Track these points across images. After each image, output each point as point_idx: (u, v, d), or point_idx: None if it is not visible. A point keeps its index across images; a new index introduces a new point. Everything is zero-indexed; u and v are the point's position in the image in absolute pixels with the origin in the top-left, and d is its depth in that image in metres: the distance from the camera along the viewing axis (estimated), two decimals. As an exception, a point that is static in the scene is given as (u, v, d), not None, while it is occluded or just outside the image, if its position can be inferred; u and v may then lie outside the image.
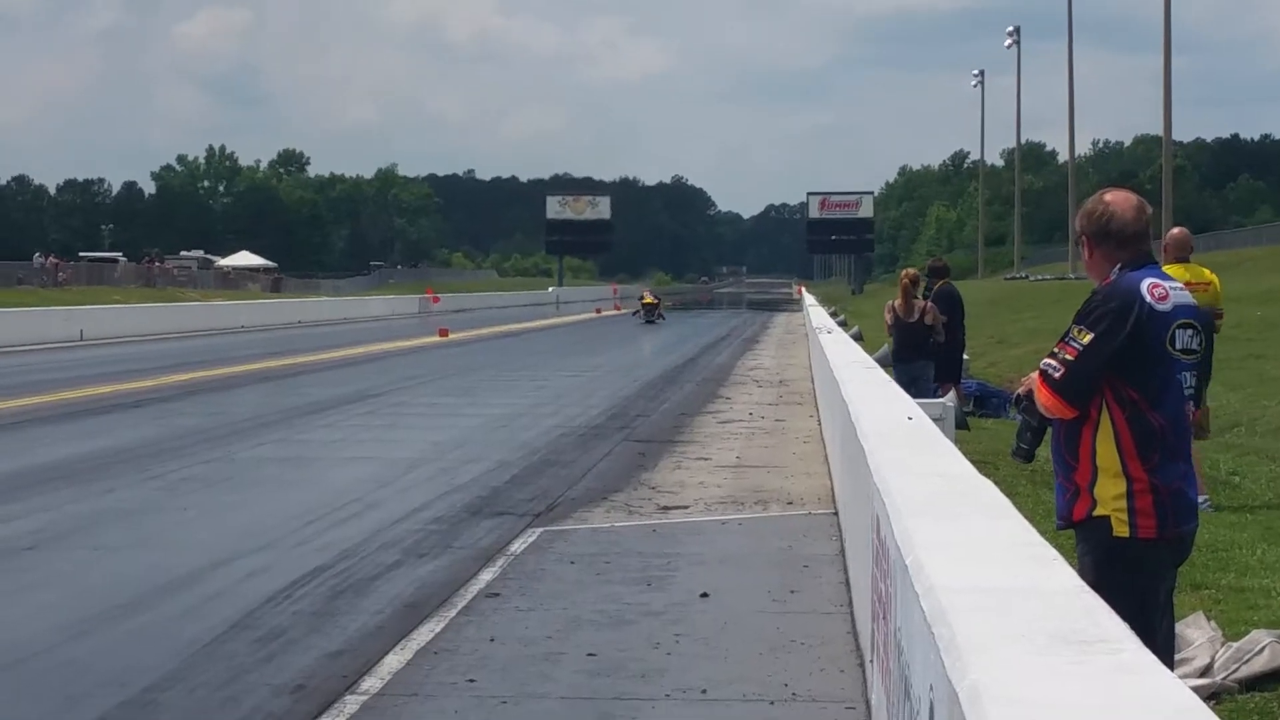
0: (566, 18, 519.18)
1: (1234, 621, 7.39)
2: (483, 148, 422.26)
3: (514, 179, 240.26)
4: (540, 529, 11.01)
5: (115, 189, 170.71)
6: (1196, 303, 5.40)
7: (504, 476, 13.87)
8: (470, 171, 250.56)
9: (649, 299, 57.79)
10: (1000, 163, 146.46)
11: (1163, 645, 5.03)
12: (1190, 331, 5.14)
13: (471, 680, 6.89)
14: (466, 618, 8.19)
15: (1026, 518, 4.36)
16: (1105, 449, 5.07)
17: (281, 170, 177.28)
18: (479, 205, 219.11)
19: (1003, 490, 5.01)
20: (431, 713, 6.47)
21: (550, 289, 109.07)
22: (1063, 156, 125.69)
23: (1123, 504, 5.05)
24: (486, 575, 9.33)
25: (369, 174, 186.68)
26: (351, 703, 6.63)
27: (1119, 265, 5.22)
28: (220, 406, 20.71)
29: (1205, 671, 6.58)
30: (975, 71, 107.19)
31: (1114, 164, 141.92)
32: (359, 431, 17.83)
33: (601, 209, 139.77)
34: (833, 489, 12.26)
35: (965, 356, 19.44)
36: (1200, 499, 6.46)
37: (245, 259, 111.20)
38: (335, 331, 47.85)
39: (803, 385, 24.48)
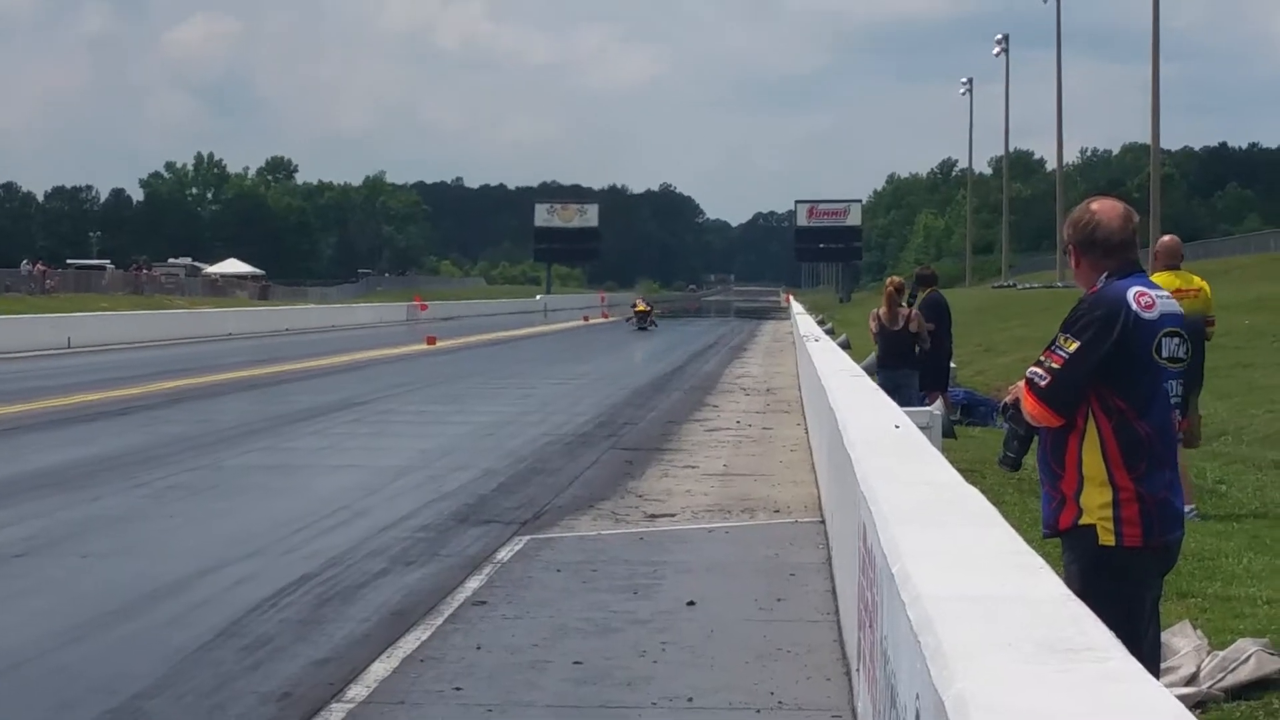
0: (556, 26, 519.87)
1: (1220, 630, 7.40)
2: (471, 155, 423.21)
3: (502, 187, 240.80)
4: (527, 537, 11.00)
5: (103, 196, 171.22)
6: (1183, 311, 5.41)
7: (491, 484, 13.86)
8: (459, 179, 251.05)
9: (642, 306, 59.95)
10: (988, 171, 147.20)
11: (1149, 654, 5.04)
12: (1177, 340, 5.15)
13: (458, 688, 6.89)
14: (453, 626, 8.19)
15: (1013, 526, 4.38)
16: (1091, 458, 5.07)
17: (270, 177, 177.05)
18: (467, 213, 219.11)
19: (990, 498, 5.02)
20: (418, 721, 6.46)
21: (538, 297, 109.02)
22: (1051, 165, 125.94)
23: (1108, 513, 5.05)
24: (473, 583, 9.33)
25: (357, 181, 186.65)
26: (338, 711, 6.63)
27: (1106, 274, 5.22)
28: (207, 414, 20.67)
29: (1191, 680, 6.60)
30: (964, 80, 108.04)
31: (1102, 172, 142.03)
32: (346, 439, 17.82)
33: (590, 217, 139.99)
34: (819, 497, 12.27)
35: (953, 365, 19.46)
36: (1186, 508, 6.47)
37: (233, 266, 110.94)
38: (323, 339, 47.81)
39: (790, 393, 24.50)
